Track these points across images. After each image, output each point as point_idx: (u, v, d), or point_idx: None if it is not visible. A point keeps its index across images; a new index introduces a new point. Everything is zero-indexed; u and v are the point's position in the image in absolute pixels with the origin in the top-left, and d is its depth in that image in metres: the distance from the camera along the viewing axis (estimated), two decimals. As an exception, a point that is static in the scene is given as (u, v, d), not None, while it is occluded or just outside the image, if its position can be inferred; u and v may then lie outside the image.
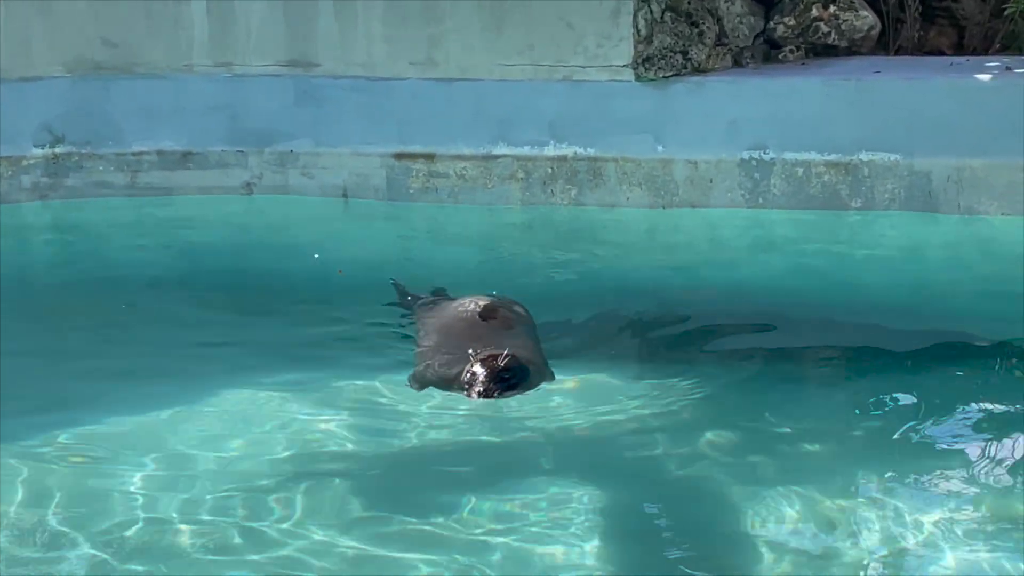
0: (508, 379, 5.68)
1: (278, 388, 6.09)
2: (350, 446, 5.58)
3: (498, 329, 6.12)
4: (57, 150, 8.98)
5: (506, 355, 5.70)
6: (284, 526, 4.94)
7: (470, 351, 5.83)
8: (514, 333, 6.14)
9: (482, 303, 6.29)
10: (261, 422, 5.80)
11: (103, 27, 8.94)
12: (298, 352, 6.52)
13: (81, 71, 8.97)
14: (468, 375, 5.72)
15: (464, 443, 5.58)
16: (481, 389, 5.64)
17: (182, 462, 5.46)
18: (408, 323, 6.69)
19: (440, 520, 4.94)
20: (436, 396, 5.85)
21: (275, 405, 5.95)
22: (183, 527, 4.95)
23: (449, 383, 5.81)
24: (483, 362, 5.72)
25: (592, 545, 4.79)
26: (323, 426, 5.73)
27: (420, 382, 5.91)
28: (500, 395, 5.65)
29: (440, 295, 6.86)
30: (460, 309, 6.32)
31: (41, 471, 5.39)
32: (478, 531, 4.88)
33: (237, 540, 4.87)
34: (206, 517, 5.02)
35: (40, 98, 8.91)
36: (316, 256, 7.84)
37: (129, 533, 4.92)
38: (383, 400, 5.96)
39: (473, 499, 5.07)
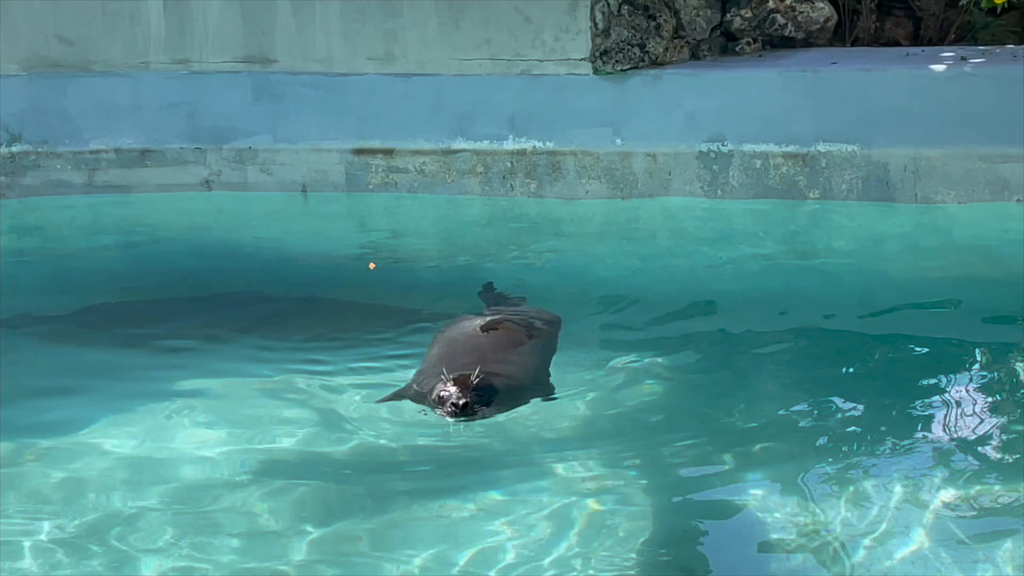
0: (480, 398, 5.65)
1: (242, 385, 6.07)
2: (327, 448, 5.55)
3: (498, 346, 6.07)
4: (14, 149, 8.94)
5: (477, 375, 5.67)
6: (260, 525, 4.95)
7: (443, 369, 5.79)
8: (515, 350, 6.09)
9: (485, 319, 6.26)
10: (221, 420, 5.77)
11: (59, 25, 8.90)
12: (261, 349, 6.49)
13: (37, 69, 8.93)
14: (439, 395, 5.66)
15: (433, 447, 5.56)
16: (452, 409, 5.58)
17: (140, 463, 5.42)
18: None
19: (420, 521, 4.96)
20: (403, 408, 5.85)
21: (237, 403, 5.93)
22: (154, 528, 4.93)
23: (423, 400, 5.78)
24: (454, 381, 5.66)
25: (568, 542, 4.80)
26: (293, 426, 5.69)
27: (400, 397, 5.87)
28: (472, 415, 5.61)
29: (497, 300, 6.86)
30: (464, 324, 6.28)
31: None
32: (461, 533, 4.89)
33: (217, 539, 4.86)
34: (173, 518, 4.99)
35: (-4, 97, 8.90)
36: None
37: (103, 533, 4.90)
38: (356, 398, 5.94)
39: (454, 501, 5.09)
